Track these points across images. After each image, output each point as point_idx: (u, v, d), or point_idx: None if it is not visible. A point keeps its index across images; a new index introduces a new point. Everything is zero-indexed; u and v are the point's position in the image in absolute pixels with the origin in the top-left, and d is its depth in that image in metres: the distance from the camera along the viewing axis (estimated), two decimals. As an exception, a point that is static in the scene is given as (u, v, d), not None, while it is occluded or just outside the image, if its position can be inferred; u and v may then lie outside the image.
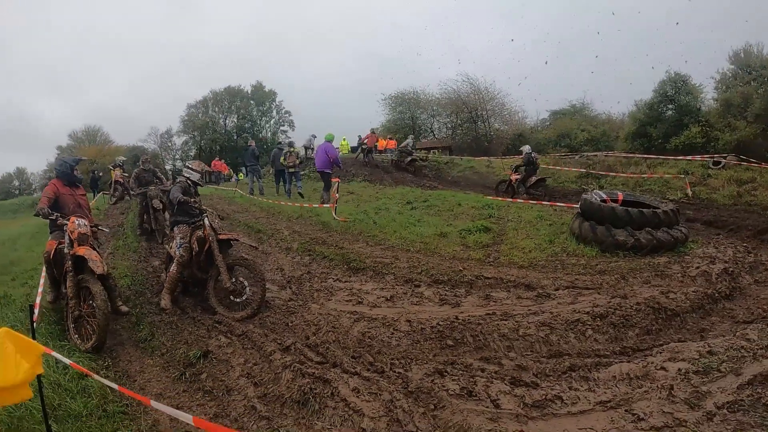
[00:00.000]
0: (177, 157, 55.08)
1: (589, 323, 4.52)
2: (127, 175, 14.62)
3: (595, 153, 21.80)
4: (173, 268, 5.89)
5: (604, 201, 8.20)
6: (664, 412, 3.05)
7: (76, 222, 5.08)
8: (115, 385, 2.88)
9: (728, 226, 9.14)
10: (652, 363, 3.73)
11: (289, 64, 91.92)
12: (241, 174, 29.28)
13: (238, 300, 5.67)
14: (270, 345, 4.52)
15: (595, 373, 3.66)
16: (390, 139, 32.26)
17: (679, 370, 3.56)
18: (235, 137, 51.99)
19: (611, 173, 16.28)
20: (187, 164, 6.73)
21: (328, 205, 10.88)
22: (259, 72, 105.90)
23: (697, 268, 6.11)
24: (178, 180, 6.56)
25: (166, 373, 4.30)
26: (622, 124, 31.56)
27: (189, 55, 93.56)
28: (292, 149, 15.77)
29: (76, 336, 4.83)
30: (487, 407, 3.18)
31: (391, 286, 6.09)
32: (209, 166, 26.91)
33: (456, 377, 3.63)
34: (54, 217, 5.14)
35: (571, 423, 3.00)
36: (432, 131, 44.16)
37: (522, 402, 3.24)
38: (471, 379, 3.58)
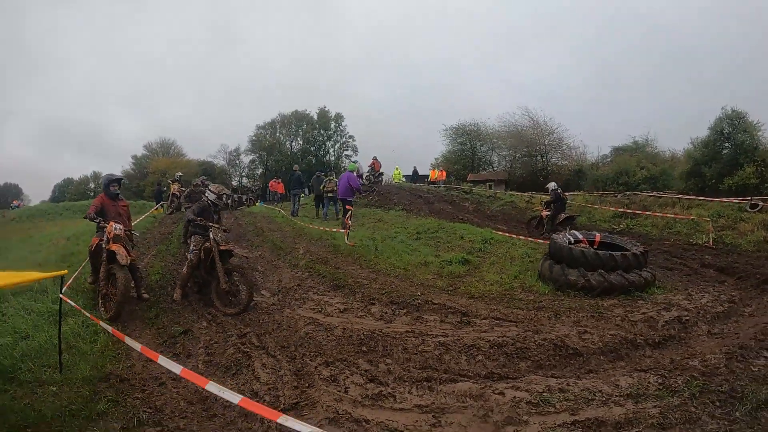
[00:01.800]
0: (243, 174, 58.70)
1: (484, 350, 5.11)
2: (184, 189, 16.71)
3: (636, 192, 21.27)
4: (184, 269, 7.45)
5: (579, 242, 8.62)
6: (461, 424, 3.64)
7: (113, 226, 6.77)
8: (137, 345, 4.38)
9: (737, 274, 8.78)
10: (495, 388, 4.20)
11: (347, 93, 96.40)
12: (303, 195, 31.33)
13: (232, 299, 7.03)
14: (233, 331, 6.01)
15: (441, 386, 4.28)
16: (442, 170, 32.87)
17: (515, 398, 3.98)
18: (301, 159, 54.29)
19: (646, 212, 16.03)
20: (209, 187, 8.25)
21: (343, 231, 12.11)
22: (318, 99, 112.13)
23: (644, 313, 6.31)
24: (201, 199, 8.16)
25: (155, 340, 5.82)
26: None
27: (261, 80, 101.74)
28: (331, 177, 17.57)
29: (102, 308, 6.57)
30: (338, 391, 4.30)
31: (352, 301, 7.17)
32: (269, 185, 29.14)
33: (335, 369, 4.74)
34: (97, 221, 6.87)
35: (385, 414, 3.83)
36: (491, 164, 44.29)
37: (364, 393, 4.24)
38: (343, 372, 4.67)
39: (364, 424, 3.68)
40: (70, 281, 6.76)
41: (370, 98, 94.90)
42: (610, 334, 5.39)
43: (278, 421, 2.48)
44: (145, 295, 7.28)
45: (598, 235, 9.05)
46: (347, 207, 13.46)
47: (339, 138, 60.40)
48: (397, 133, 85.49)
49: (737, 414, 3.57)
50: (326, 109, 59.99)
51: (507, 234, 12.77)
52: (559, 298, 7.23)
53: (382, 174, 27.05)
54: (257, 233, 14.06)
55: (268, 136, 57.93)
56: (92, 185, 64.61)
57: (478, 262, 9.63)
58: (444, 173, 31.52)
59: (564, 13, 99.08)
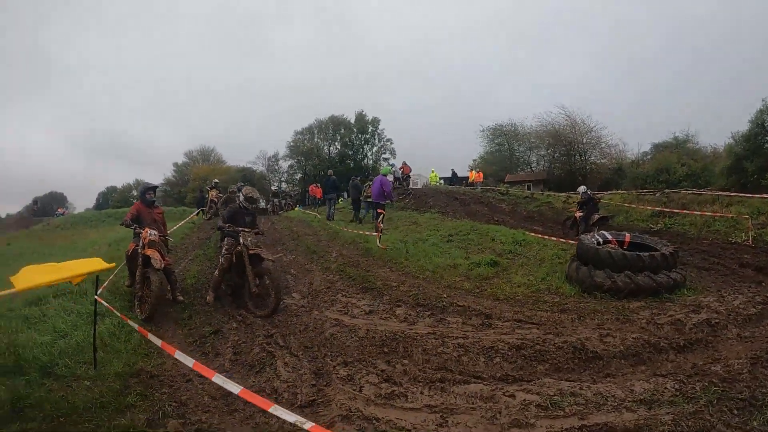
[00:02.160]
0: (283, 179, 59.75)
1: (502, 352, 5.11)
2: (221, 195, 17.23)
3: (676, 190, 20.56)
4: (216, 272, 7.68)
5: (608, 242, 8.47)
6: (468, 425, 3.69)
7: (148, 232, 7.12)
8: (158, 341, 4.65)
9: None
10: (506, 390, 4.22)
11: (383, 98, 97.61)
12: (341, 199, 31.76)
13: (263, 302, 7.19)
14: (260, 332, 6.24)
15: (453, 387, 4.34)
16: (479, 171, 32.68)
17: (524, 400, 3.99)
18: (338, 164, 54.87)
19: (684, 211, 15.52)
20: (240, 191, 8.44)
21: (375, 234, 12.27)
22: (355, 103, 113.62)
23: (671, 316, 6.06)
24: (230, 205, 8.42)
25: (186, 340, 6.10)
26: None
27: (293, 88, 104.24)
28: (369, 183, 17.82)
29: (138, 309, 6.92)
30: (353, 389, 4.43)
31: (378, 303, 7.25)
32: (309, 190, 29.58)
33: (353, 369, 4.88)
34: (133, 227, 7.25)
35: (395, 413, 3.93)
36: (529, 164, 43.72)
37: (377, 392, 4.35)
38: (360, 372, 4.79)
39: (374, 422, 3.78)
40: (105, 283, 7.19)
41: (402, 106, 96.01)
42: (633, 338, 5.26)
43: (269, 410, 2.61)
44: (180, 298, 7.59)
45: (627, 235, 8.84)
46: (379, 211, 13.60)
47: (377, 141, 60.86)
48: (434, 138, 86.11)
49: (755, 423, 3.46)
50: (363, 113, 60.48)
51: (539, 235, 12.58)
52: (585, 300, 7.09)
53: (409, 177, 27.17)
54: (293, 237, 14.38)
55: (306, 141, 58.76)
56: (135, 192, 66.52)
57: (507, 264, 9.56)
58: (481, 175, 31.29)
59: (596, 7, 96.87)
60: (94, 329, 4.95)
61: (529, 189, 31.16)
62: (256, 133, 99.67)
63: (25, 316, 6.53)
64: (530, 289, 7.81)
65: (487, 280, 8.53)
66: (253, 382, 4.73)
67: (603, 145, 38.91)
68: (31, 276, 3.96)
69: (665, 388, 4.09)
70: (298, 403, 4.20)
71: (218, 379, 3.19)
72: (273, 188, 27.37)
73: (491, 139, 44.62)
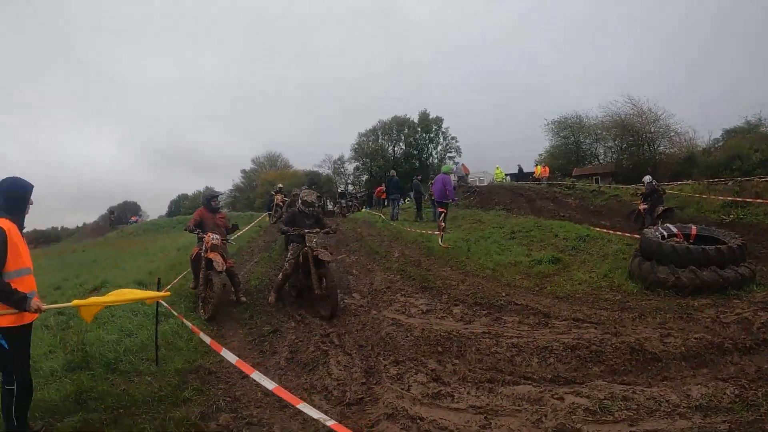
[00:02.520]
0: (349, 181, 60.57)
1: (557, 352, 4.92)
2: (287, 199, 17.70)
3: (749, 178, 19.13)
4: (280, 275, 7.87)
5: (673, 236, 7.98)
6: (511, 428, 3.57)
7: (211, 236, 7.42)
8: (208, 339, 4.88)
9: None
10: (555, 392, 4.03)
11: (438, 97, 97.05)
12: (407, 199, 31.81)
13: (325, 304, 7.11)
14: (317, 331, 6.35)
15: (501, 388, 4.21)
16: (545, 166, 31.84)
17: (573, 403, 3.79)
18: (404, 164, 54.96)
19: (758, 200, 14.14)
20: (299, 194, 8.51)
21: (437, 233, 12.14)
22: (414, 103, 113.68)
23: (738, 314, 5.55)
24: (290, 210, 8.59)
25: (246, 338, 6.34)
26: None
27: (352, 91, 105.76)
28: (431, 182, 17.79)
29: (201, 310, 7.25)
30: (401, 388, 4.39)
31: (436, 303, 7.13)
32: (375, 191, 29.86)
33: (403, 368, 4.84)
34: (196, 233, 7.58)
35: (440, 413, 3.86)
36: (596, 157, 41.93)
37: (425, 391, 4.28)
38: (410, 371, 4.75)
39: (417, 421, 3.72)
40: (168, 286, 7.66)
41: (463, 104, 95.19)
42: (695, 338, 4.91)
43: (298, 407, 2.63)
44: (243, 299, 7.87)
45: (693, 227, 8.25)
46: (440, 210, 13.48)
47: (441, 140, 60.42)
48: (498, 134, 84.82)
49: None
50: (427, 112, 60.23)
51: (604, 230, 12.00)
52: (647, 297, 6.71)
53: (467, 175, 26.88)
54: (356, 238, 14.47)
55: (370, 143, 59.35)
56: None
57: (569, 260, 9.20)
58: (547, 169, 30.39)
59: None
60: (156, 328, 5.24)
61: (597, 182, 29.83)
62: (320, 136, 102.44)
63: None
64: (591, 287, 7.50)
65: (547, 277, 8.25)
66: (305, 380, 4.81)
67: (672, 134, 36.77)
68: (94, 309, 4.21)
69: (725, 393, 3.80)
70: (346, 400, 4.22)
71: (257, 375, 3.28)
72: (339, 190, 27.75)
73: (556, 132, 42.97)
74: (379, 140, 59.88)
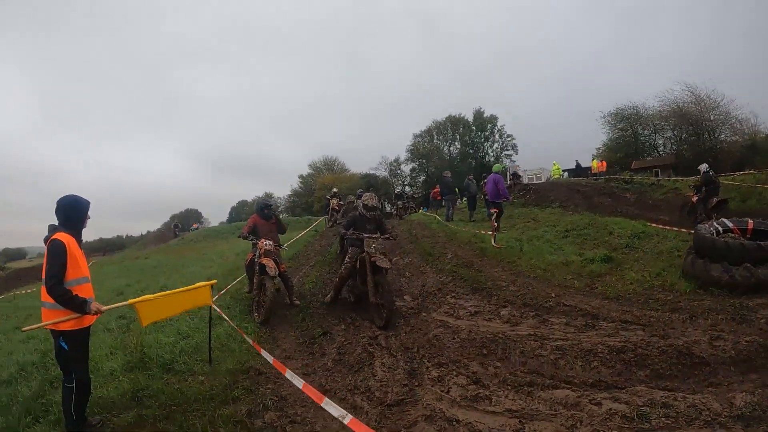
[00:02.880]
0: (405, 183, 60.48)
1: (601, 355, 4.84)
2: (342, 203, 17.97)
3: None
4: (337, 278, 8.01)
5: (729, 231, 7.61)
6: None
7: (264, 242, 7.73)
8: (250, 339, 5.15)
9: None
10: (594, 397, 3.97)
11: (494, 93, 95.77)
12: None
13: (378, 312, 6.91)
14: (366, 333, 6.47)
15: (540, 392, 4.16)
16: (602, 160, 30.81)
17: (610, 409, 3.74)
18: (460, 163, 54.50)
19: None
20: (361, 198, 8.31)
21: (490, 233, 12.07)
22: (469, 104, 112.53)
23: None
24: (350, 213, 8.74)
25: (297, 341, 6.54)
26: None
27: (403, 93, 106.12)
28: (484, 182, 17.67)
29: (255, 313, 7.55)
30: (441, 390, 4.43)
31: (485, 304, 7.13)
32: (431, 193, 29.73)
33: (445, 370, 4.88)
34: (250, 239, 7.90)
35: (476, 415, 3.88)
36: (656, 148, 40.12)
37: (463, 394, 4.30)
38: (451, 373, 4.78)
39: (454, 423, 3.77)
40: (222, 291, 8.11)
41: (520, 102, 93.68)
42: (746, 341, 4.69)
43: (321, 404, 2.74)
44: (296, 302, 8.15)
45: (750, 221, 7.79)
46: (492, 210, 13.37)
47: (497, 138, 59.59)
48: (554, 130, 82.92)
49: None
50: (481, 110, 59.72)
51: (661, 226, 11.49)
52: (700, 297, 6.45)
53: (519, 176, 26.43)
54: (411, 240, 14.56)
55: (425, 143, 59.33)
56: None
57: (622, 259, 8.92)
58: (604, 164, 29.35)
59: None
60: (209, 331, 5.53)
61: (657, 175, 28.50)
62: (375, 139, 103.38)
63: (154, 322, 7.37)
64: (643, 287, 7.27)
65: (599, 277, 8.03)
66: (350, 380, 4.93)
67: (733, 121, 34.43)
68: (152, 312, 4.56)
69: None
70: (387, 401, 4.31)
71: (289, 374, 3.43)
72: (396, 191, 27.76)
73: (613, 125, 41.30)
74: (435, 140, 59.86)
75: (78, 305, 3.73)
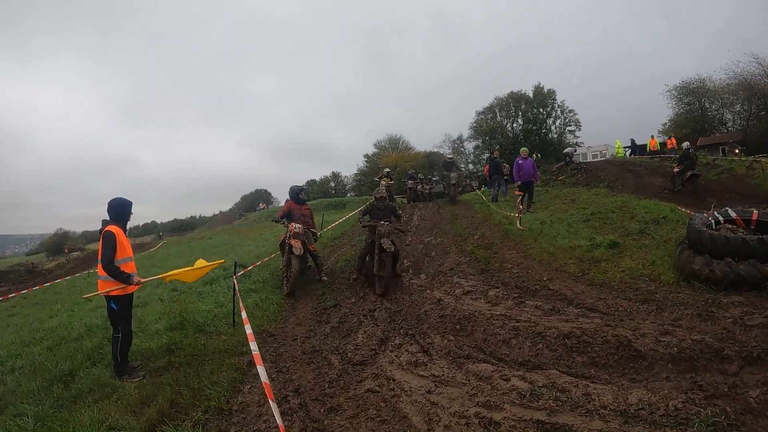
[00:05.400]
0: (470, 160, 60.29)
1: (549, 339, 5.22)
2: (392, 183, 18.68)
3: None
4: (358, 257, 9.24)
5: (730, 221, 7.50)
6: (451, 397, 4.24)
7: (294, 225, 8.94)
8: (244, 315, 6.56)
9: None
10: (509, 374, 4.57)
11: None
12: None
13: (381, 283, 8.25)
14: (368, 306, 7.61)
15: (470, 364, 4.96)
16: (670, 137, 29.41)
17: (513, 386, 4.29)
18: (524, 140, 53.05)
19: None
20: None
21: (518, 215, 12.59)
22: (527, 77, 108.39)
23: (766, 317, 4.98)
24: (369, 202, 9.71)
25: (311, 311, 7.80)
26: None
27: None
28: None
29: (284, 287, 8.84)
30: (394, 356, 5.56)
31: (481, 285, 7.79)
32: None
33: (409, 340, 5.98)
34: (282, 222, 9.17)
35: (408, 377, 4.84)
36: (724, 124, 37.38)
37: (409, 359, 5.42)
38: (409, 343, 5.88)
39: (390, 381, 4.80)
40: (250, 267, 9.64)
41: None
42: (694, 340, 4.63)
43: (269, 401, 3.78)
44: (324, 278, 9.38)
45: (755, 212, 7.49)
46: (516, 192, 13.91)
47: (559, 114, 57.64)
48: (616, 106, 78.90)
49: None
50: (541, 85, 57.96)
51: (688, 211, 11.33)
52: (679, 290, 6.44)
53: (571, 156, 26.08)
54: (450, 220, 15.32)
55: (488, 121, 58.41)
56: (332, 184, 75.24)
57: (629, 245, 9.04)
58: (674, 140, 28.04)
59: None
60: (234, 300, 6.98)
61: (723, 153, 27.03)
62: (438, 117, 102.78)
63: (199, 292, 9.16)
64: (631, 275, 7.41)
65: (597, 263, 8.32)
66: (337, 344, 6.14)
67: None
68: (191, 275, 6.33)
69: (669, 404, 3.72)
70: (353, 361, 5.46)
71: (253, 345, 4.45)
72: (409, 172, 26.59)
73: (679, 99, 38.93)
74: (497, 117, 58.79)
75: (124, 278, 5.30)
